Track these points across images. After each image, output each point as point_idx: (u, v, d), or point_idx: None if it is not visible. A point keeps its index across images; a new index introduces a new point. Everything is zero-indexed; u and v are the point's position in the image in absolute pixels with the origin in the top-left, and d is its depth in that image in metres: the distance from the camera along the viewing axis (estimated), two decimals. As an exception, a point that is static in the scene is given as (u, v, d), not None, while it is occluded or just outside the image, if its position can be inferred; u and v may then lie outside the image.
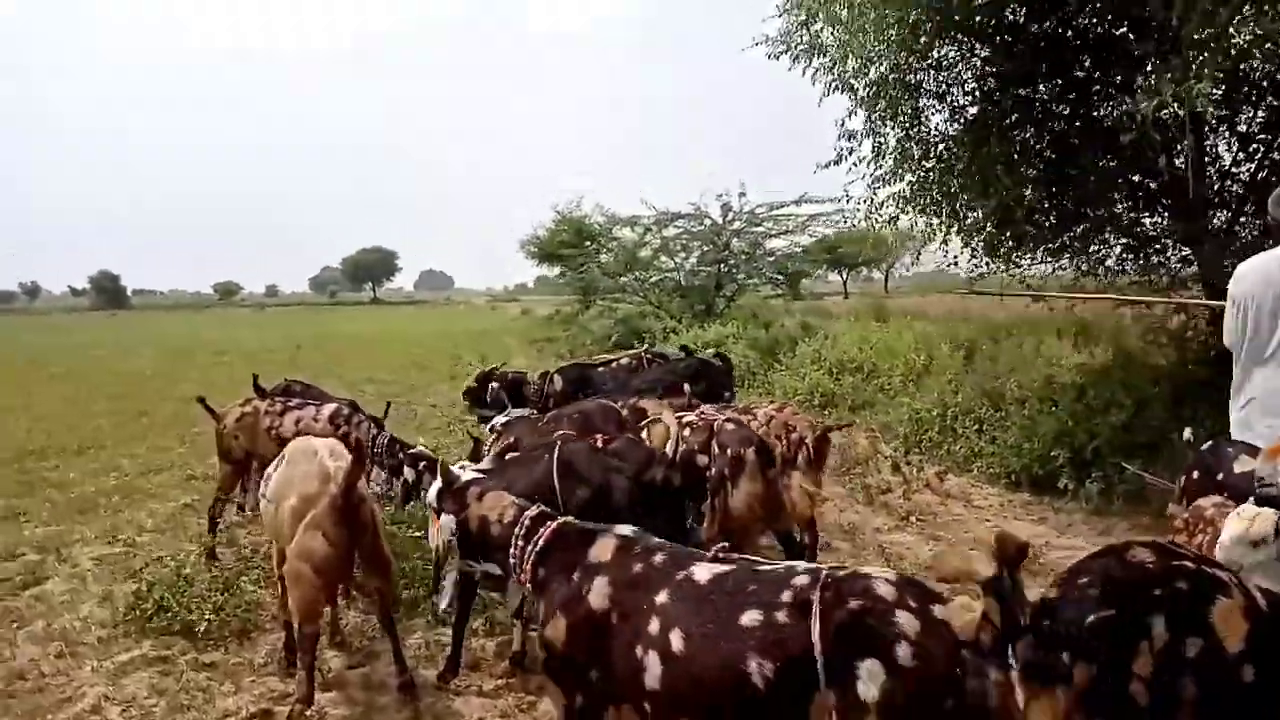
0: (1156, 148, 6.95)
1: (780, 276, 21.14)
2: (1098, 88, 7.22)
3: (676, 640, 2.20)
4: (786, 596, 2.11)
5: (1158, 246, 7.30)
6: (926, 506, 6.98)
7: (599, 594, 2.41)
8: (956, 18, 6.68)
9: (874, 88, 7.57)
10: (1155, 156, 6.98)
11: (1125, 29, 6.86)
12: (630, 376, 7.62)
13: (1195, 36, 5.20)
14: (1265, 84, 6.40)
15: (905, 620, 1.97)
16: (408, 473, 5.71)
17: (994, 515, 6.82)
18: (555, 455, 3.93)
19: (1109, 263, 7.69)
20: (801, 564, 2.29)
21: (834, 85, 8.01)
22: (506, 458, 4.34)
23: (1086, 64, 7.04)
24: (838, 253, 29.98)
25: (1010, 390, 9.06)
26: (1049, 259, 7.86)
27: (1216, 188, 6.94)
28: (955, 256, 8.43)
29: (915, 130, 7.66)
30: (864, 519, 6.75)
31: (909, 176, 7.84)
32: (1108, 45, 7.05)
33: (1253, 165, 6.85)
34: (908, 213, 8.11)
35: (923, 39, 6.92)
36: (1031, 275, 8.16)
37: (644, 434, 4.87)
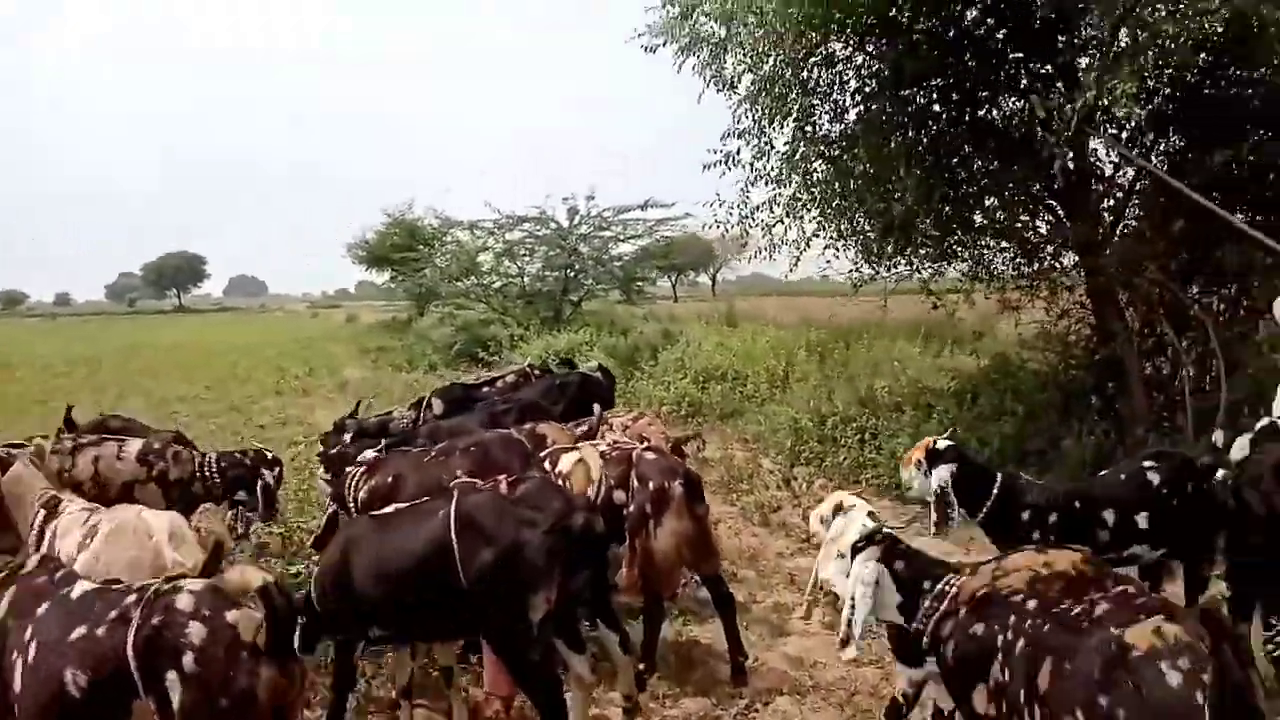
0: (1049, 149, 6.89)
1: (631, 283, 20.64)
2: (985, 90, 7.08)
3: (30, 652, 2.41)
4: (114, 614, 2.36)
5: (1046, 250, 7.20)
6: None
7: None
8: (838, 14, 6.34)
9: (759, 85, 7.14)
10: (1050, 158, 6.89)
11: (1014, 28, 6.73)
12: (518, 395, 6.85)
13: (1119, 34, 5.02)
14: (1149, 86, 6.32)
15: (194, 630, 2.29)
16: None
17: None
18: (453, 509, 3.18)
19: (995, 266, 7.55)
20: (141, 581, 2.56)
21: (714, 81, 7.58)
22: (387, 510, 3.53)
23: (972, 65, 6.83)
24: (670, 258, 30.05)
25: (882, 396, 8.91)
26: (935, 263, 7.66)
27: (1099, 191, 6.89)
28: (830, 260, 8.14)
29: (803, 130, 7.29)
30: (763, 542, 6.30)
31: (795, 179, 7.47)
32: (996, 45, 6.91)
33: (1132, 169, 6.82)
34: (788, 216, 7.75)
35: (814, 35, 6.54)
36: (914, 279, 7.93)
37: (549, 467, 4.19)
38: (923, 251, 7.68)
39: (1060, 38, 6.71)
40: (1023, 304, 7.62)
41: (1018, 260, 7.31)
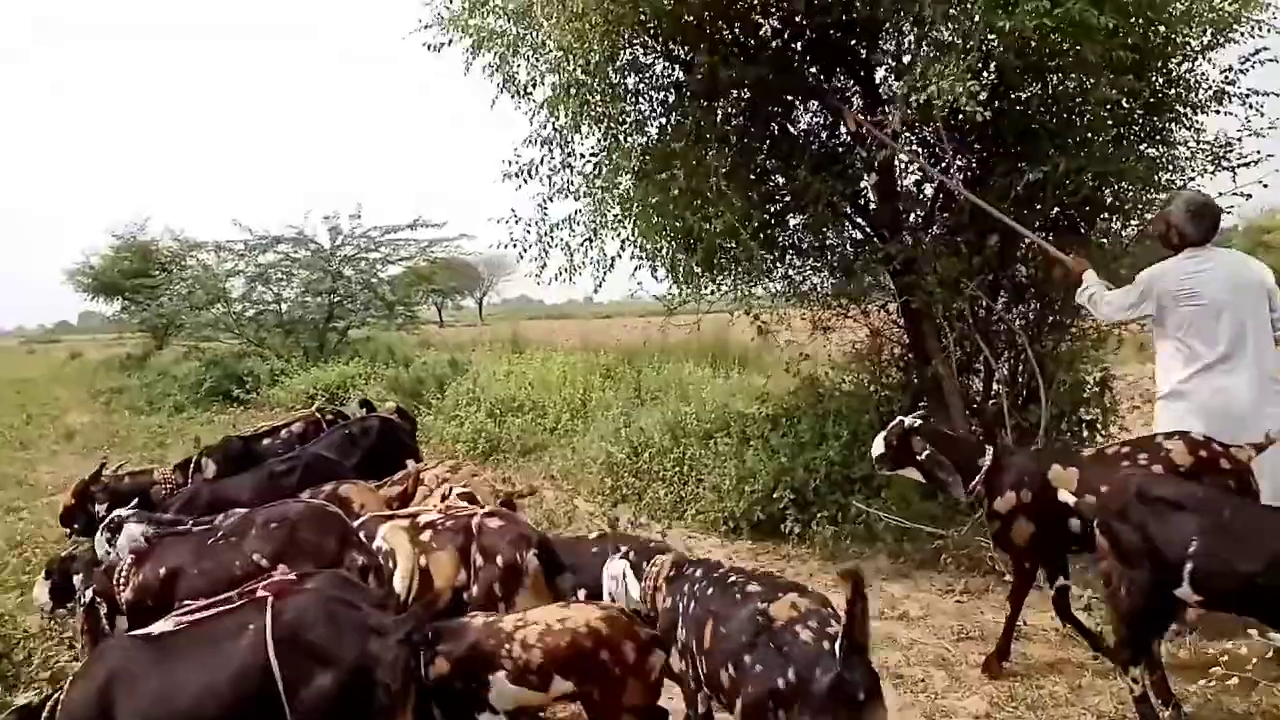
0: (856, 164, 6.79)
1: (398, 308, 19.37)
2: (788, 103, 6.90)
3: None
4: None
5: (857, 268, 7.06)
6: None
7: None
8: (640, 15, 5.90)
9: (560, 90, 6.56)
10: (856, 174, 6.79)
11: (814, 40, 6.59)
12: (308, 446, 5.78)
13: (949, 32, 4.87)
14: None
15: None
16: None
17: (729, 572, 6.07)
18: (269, 621, 2.34)
19: (807, 285, 7.36)
20: None
21: (506, 87, 6.92)
22: (164, 628, 2.59)
23: (772, 77, 6.59)
24: (437, 281, 28.95)
25: (692, 424, 8.56)
26: (745, 282, 7.36)
27: (906, 207, 6.85)
28: (640, 281, 7.67)
29: (610, 141, 6.78)
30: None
31: (600, 194, 6.94)
32: (796, 57, 6.74)
33: (933, 186, 6.84)
34: (594, 235, 7.22)
35: (617, 37, 6.06)
36: (725, 298, 7.59)
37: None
38: (735, 271, 7.38)
39: (862, 48, 6.68)
40: (834, 324, 7.48)
41: (831, 279, 7.14)
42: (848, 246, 7.19)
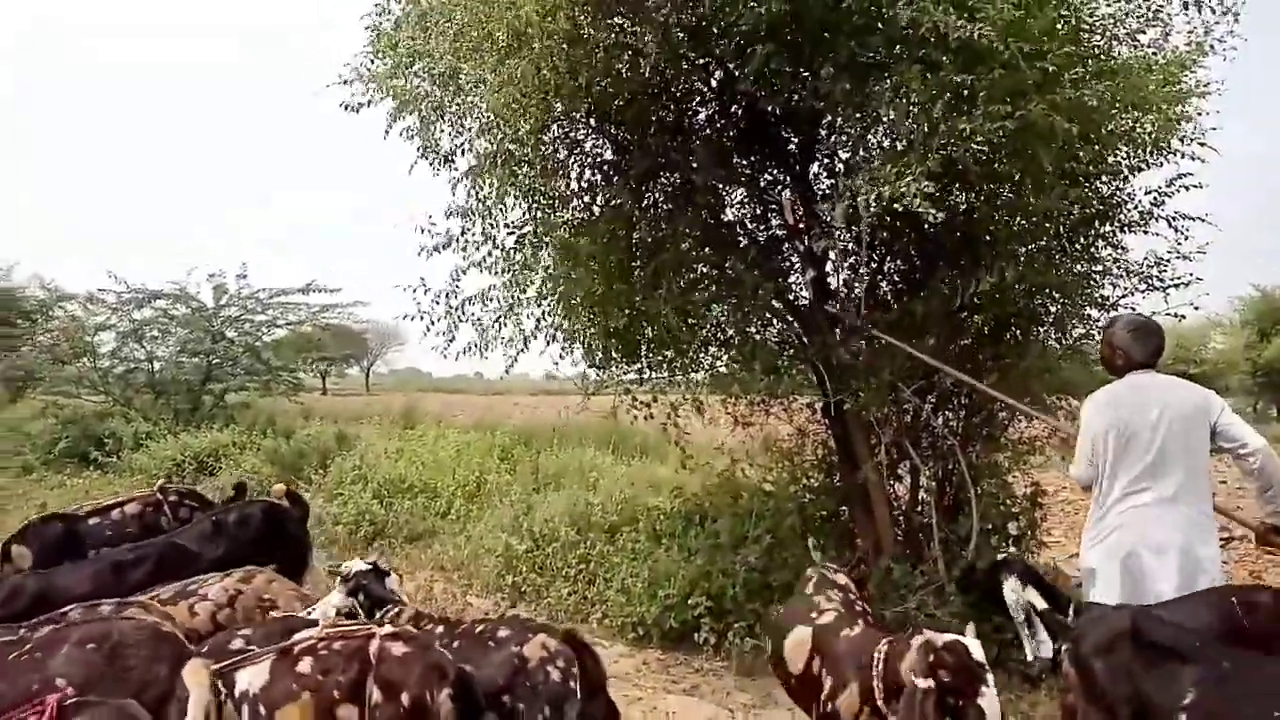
0: (798, 256, 6.56)
1: (279, 374, 18.21)
2: (717, 192, 6.67)
3: None
4: None
5: (782, 365, 6.76)
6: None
7: None
8: (578, 87, 5.59)
9: (486, 160, 6.17)
10: (793, 266, 6.57)
11: (746, 130, 6.40)
12: (145, 535, 4.96)
13: (907, 131, 4.68)
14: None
15: None
16: None
17: (638, 687, 5.53)
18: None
19: (731, 378, 6.99)
20: None
21: (426, 153, 6.50)
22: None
23: (699, 165, 6.34)
24: (324, 349, 27.82)
25: (597, 516, 8.05)
26: (664, 371, 6.99)
27: (835, 306, 6.62)
28: (556, 361, 7.21)
29: (534, 217, 6.40)
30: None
31: (519, 270, 6.52)
32: (729, 146, 6.55)
33: (865, 285, 6.63)
34: (510, 311, 6.77)
35: (551, 107, 5.72)
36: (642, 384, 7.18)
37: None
38: (654, 358, 7.01)
39: (796, 141, 6.53)
40: (756, 419, 7.15)
41: (758, 374, 6.81)
42: (773, 342, 6.91)
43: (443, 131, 6.35)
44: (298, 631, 3.02)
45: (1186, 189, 5.90)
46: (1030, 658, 3.85)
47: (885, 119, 4.98)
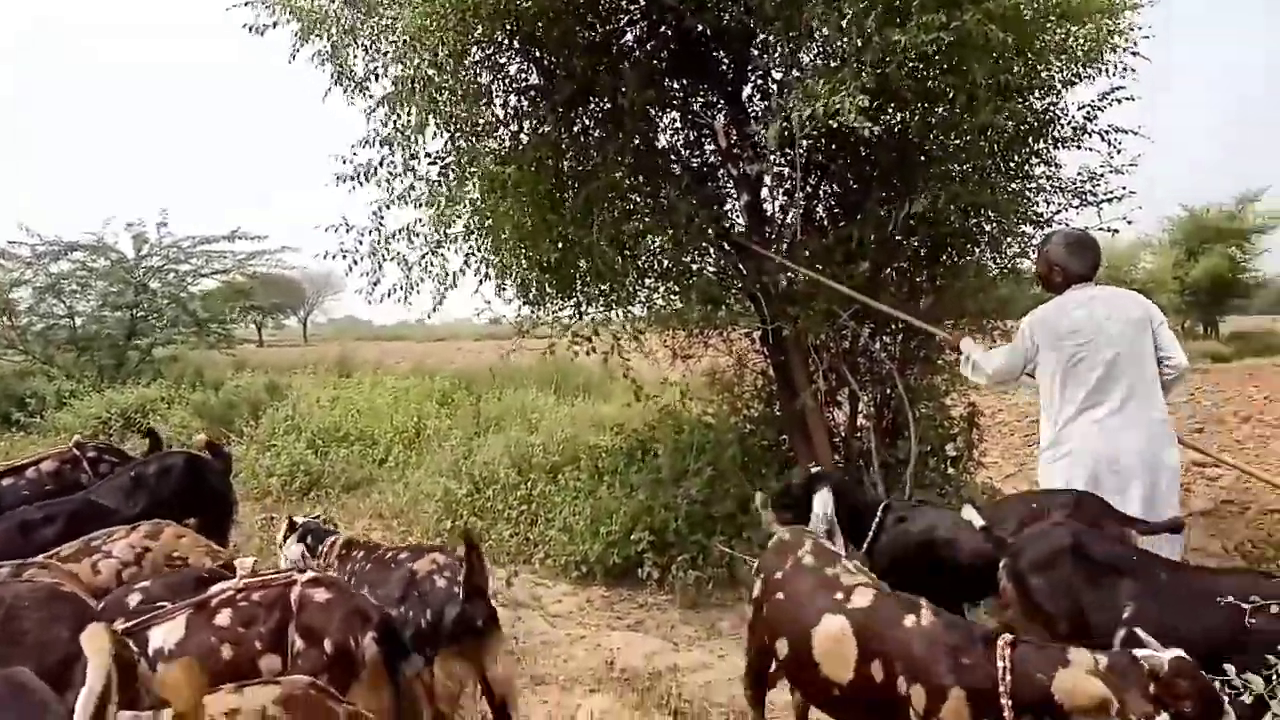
0: (724, 186, 6.41)
1: (211, 326, 17.61)
2: (650, 116, 6.44)
3: None
4: None
5: (720, 294, 6.62)
6: (505, 623, 5.37)
7: None
8: (501, 6, 5.30)
9: (403, 86, 5.86)
10: (721, 196, 6.41)
11: (679, 51, 6.17)
12: (65, 493, 4.65)
13: (841, 44, 4.51)
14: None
15: None
16: None
17: (582, 625, 5.46)
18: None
19: (669, 310, 6.84)
20: None
21: (340, 79, 6.17)
22: None
23: (630, 89, 6.10)
24: (256, 298, 27.02)
25: (538, 457, 7.92)
26: (604, 306, 6.81)
27: (771, 233, 6.49)
28: (488, 300, 6.99)
29: (458, 146, 6.12)
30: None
31: (445, 203, 6.25)
32: (661, 68, 6.31)
33: (800, 209, 6.50)
34: (438, 248, 6.53)
35: (473, 28, 5.43)
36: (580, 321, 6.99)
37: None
38: (590, 292, 6.83)
39: (729, 61, 6.32)
40: (695, 351, 7.03)
41: (695, 305, 6.66)
42: (710, 271, 6.76)
43: (356, 56, 6.03)
44: (196, 583, 2.85)
45: (1119, 102, 5.86)
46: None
47: (818, 33, 4.79)
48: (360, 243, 6.45)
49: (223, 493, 5.06)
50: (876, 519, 4.07)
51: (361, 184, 6.29)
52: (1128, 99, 5.88)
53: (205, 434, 6.23)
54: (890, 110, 4.81)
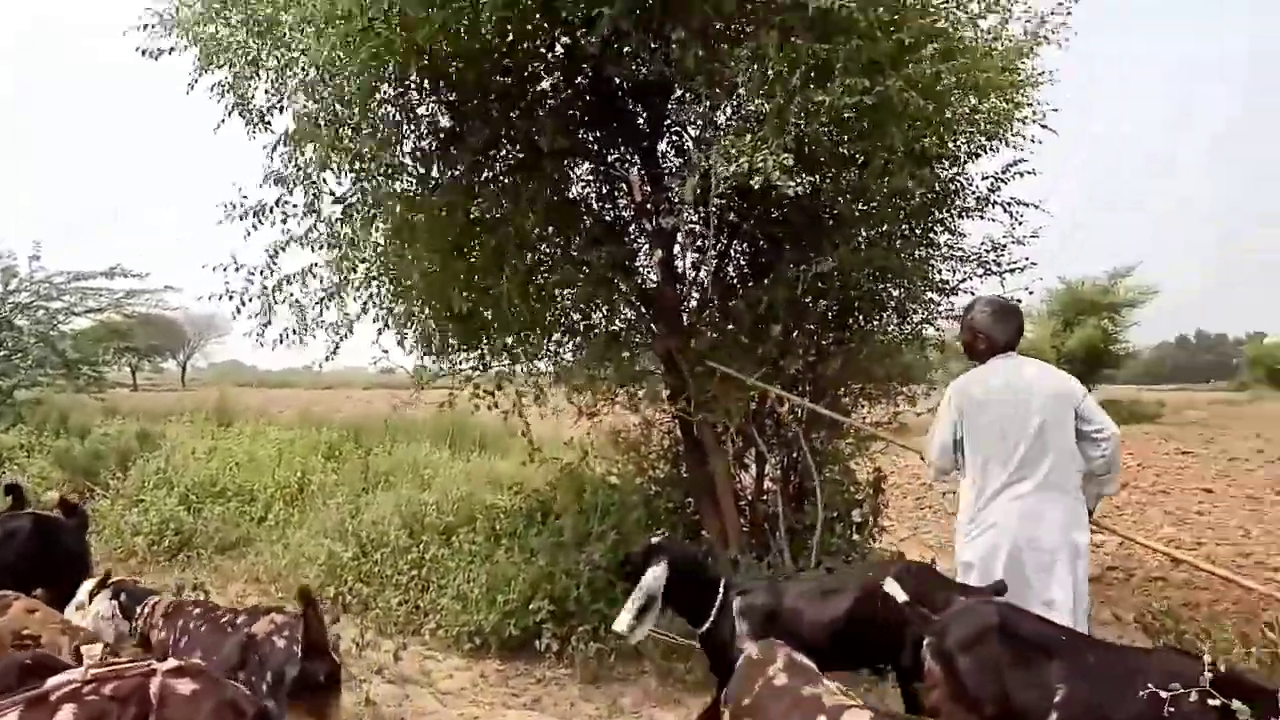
0: (645, 237, 6.28)
1: (81, 367, 16.43)
2: (570, 163, 6.31)
3: None
4: None
5: (629, 352, 6.45)
6: (392, 701, 4.97)
7: None
8: (415, 45, 5.10)
9: (305, 122, 5.58)
10: (631, 252, 6.28)
11: (597, 103, 6.07)
12: None
13: (761, 104, 4.46)
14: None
15: None
16: None
17: (475, 704, 5.09)
18: None
19: (575, 366, 6.62)
20: None
21: (240, 111, 5.85)
22: None
23: (543, 139, 5.94)
24: (133, 339, 25.59)
25: (431, 517, 7.54)
26: (506, 359, 6.57)
27: (682, 290, 6.38)
28: (385, 350, 6.67)
29: (364, 187, 5.85)
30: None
31: (343, 246, 5.96)
32: (577, 119, 6.18)
33: (711, 268, 6.42)
34: (336, 292, 6.20)
35: (383, 65, 5.21)
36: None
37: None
38: (495, 345, 6.59)
39: (644, 115, 6.25)
40: (601, 410, 6.82)
41: (603, 362, 6.47)
42: (620, 327, 6.61)
43: (257, 88, 5.73)
44: (20, 672, 2.44)
45: (1021, 175, 6.01)
46: (616, 625, 3.96)
47: (742, 87, 4.73)
48: (250, 283, 6.08)
49: (79, 556, 4.56)
50: (719, 598, 3.93)
51: (257, 226, 5.95)
52: (1029, 173, 6.03)
53: (58, 490, 5.67)
54: (806, 172, 4.78)
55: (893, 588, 3.22)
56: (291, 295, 6.19)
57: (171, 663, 2.49)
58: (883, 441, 6.30)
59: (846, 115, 4.41)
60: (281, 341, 6.36)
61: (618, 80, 5.74)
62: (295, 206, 5.84)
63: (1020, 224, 6.09)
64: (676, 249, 6.32)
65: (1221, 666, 2.62)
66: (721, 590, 3.95)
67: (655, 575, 3.87)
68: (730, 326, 5.99)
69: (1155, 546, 5.42)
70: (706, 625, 3.93)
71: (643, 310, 6.46)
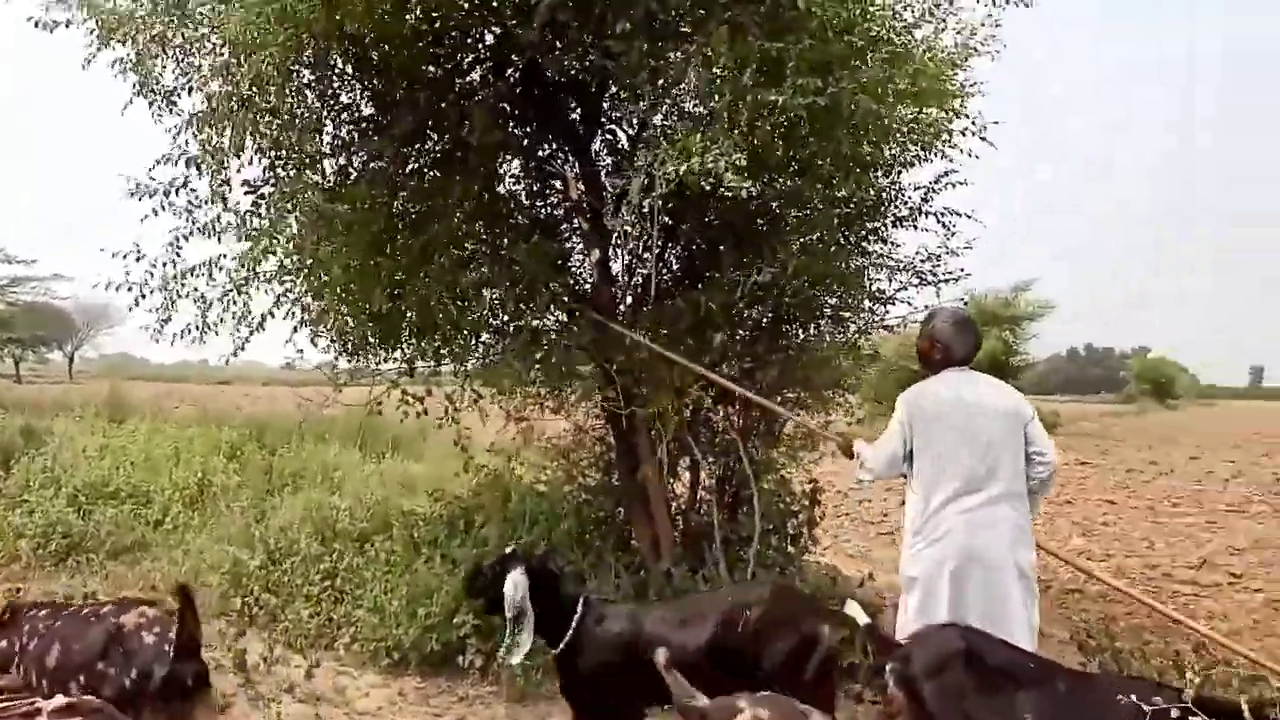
0: (579, 237, 6.07)
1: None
2: (500, 156, 6.05)
3: None
4: None
5: (559, 355, 6.21)
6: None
7: None
8: (337, 26, 4.79)
9: (216, 103, 5.19)
10: (564, 252, 6.07)
11: (532, 98, 5.84)
12: None
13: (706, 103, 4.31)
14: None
15: None
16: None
17: (392, 722, 4.82)
18: None
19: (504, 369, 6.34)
20: None
21: (144, 90, 5.42)
22: None
23: (473, 133, 5.68)
24: (15, 326, 24.26)
25: (344, 523, 7.20)
26: (429, 359, 6.28)
27: (615, 292, 6.19)
28: (300, 348, 6.30)
29: (277, 174, 5.48)
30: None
31: (256, 237, 5.57)
32: (509, 113, 5.94)
33: (648, 270, 6.24)
34: (244, 285, 5.80)
35: (302, 46, 4.88)
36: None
37: None
38: (418, 345, 6.29)
39: (579, 111, 6.04)
40: (531, 414, 6.57)
41: (533, 365, 6.23)
42: (552, 329, 6.37)
43: (164, 67, 5.31)
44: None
45: (953, 186, 6.00)
46: (501, 655, 3.95)
47: (689, 85, 4.55)
48: (151, 275, 5.64)
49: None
50: (576, 616, 3.86)
51: (159, 212, 5.51)
52: (961, 183, 6.03)
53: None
54: (753, 174, 4.65)
55: (854, 609, 3.13)
56: (195, 289, 5.77)
57: (60, 700, 2.20)
58: (816, 448, 6.24)
59: (797, 116, 4.28)
60: (182, 337, 5.93)
61: (551, 74, 5.51)
62: (197, 194, 5.42)
63: (953, 234, 6.08)
64: (611, 251, 6.14)
65: (1189, 696, 2.56)
66: (580, 609, 3.86)
67: (516, 583, 3.77)
68: (664, 332, 5.82)
69: (1104, 577, 5.23)
70: (562, 645, 3.86)
71: (575, 312, 6.23)
